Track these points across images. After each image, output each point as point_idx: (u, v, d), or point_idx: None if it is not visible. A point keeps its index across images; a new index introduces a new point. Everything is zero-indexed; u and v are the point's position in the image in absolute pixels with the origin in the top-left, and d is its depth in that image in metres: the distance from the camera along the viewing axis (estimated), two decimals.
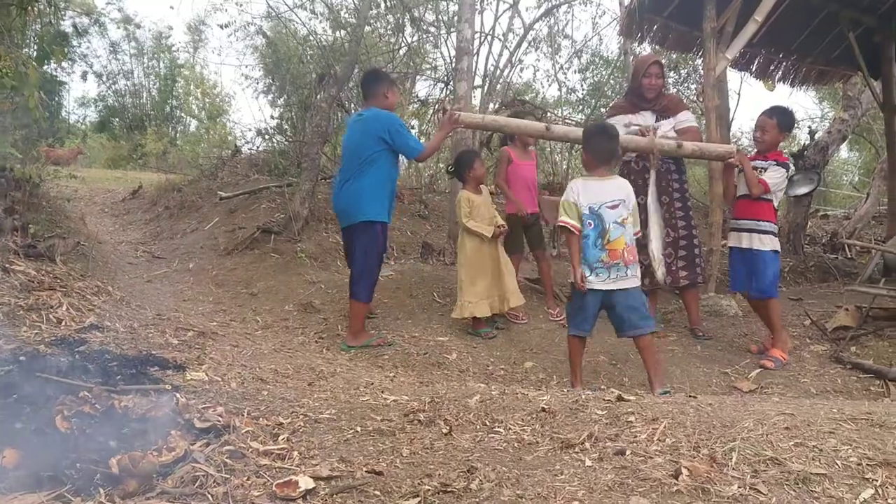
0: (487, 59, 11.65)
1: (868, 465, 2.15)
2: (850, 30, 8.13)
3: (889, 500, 1.98)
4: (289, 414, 2.97)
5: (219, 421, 2.66)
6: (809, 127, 13.52)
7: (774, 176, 5.11)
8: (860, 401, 4.02)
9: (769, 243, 5.14)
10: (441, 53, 12.50)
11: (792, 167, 5.33)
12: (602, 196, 4.28)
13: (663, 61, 6.24)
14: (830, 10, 8.13)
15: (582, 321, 4.41)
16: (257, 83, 13.09)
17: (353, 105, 10.83)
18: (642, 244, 4.73)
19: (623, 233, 4.26)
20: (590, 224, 4.28)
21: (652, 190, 5.08)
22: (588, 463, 2.30)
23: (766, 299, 5.18)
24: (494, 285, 5.60)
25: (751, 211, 5.19)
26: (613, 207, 4.26)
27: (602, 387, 4.57)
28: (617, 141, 4.49)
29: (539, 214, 6.33)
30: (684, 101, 7.32)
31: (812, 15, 8.27)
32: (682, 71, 13.51)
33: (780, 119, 5.22)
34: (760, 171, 5.14)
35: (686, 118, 5.74)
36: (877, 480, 2.07)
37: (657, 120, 5.68)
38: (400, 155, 5.41)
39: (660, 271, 4.91)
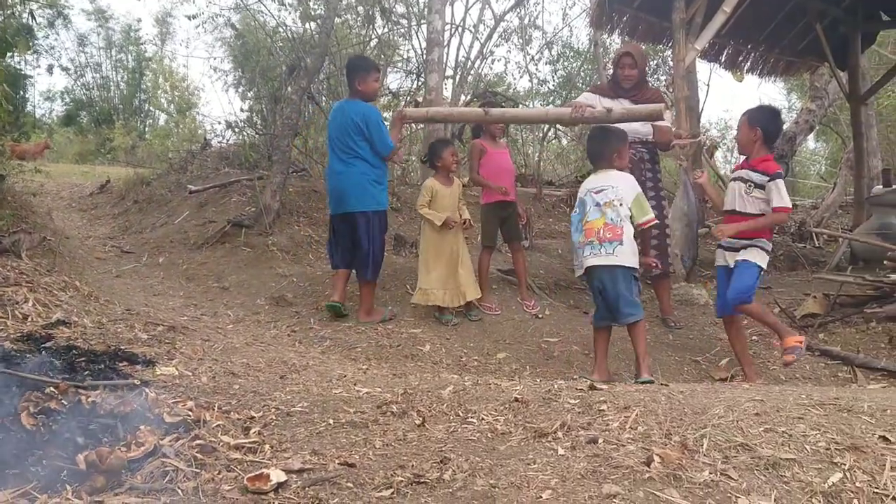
0: (458, 50, 11.67)
1: (836, 449, 2.18)
2: (817, 21, 8.23)
3: (857, 484, 2.00)
4: (260, 407, 2.94)
5: (189, 415, 2.63)
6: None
7: (782, 193, 4.45)
8: (828, 387, 4.07)
9: (758, 257, 4.56)
10: (412, 45, 12.48)
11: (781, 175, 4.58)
12: (590, 185, 4.54)
13: (640, 52, 6.23)
14: (798, 1, 8.22)
15: (595, 309, 4.62)
16: (227, 76, 12.95)
17: (323, 98, 10.76)
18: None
19: (603, 214, 4.36)
20: (575, 211, 4.59)
21: None
22: (561, 452, 2.31)
23: (741, 307, 4.60)
24: (451, 277, 5.63)
25: (735, 224, 4.62)
26: (597, 192, 4.44)
27: (575, 376, 4.59)
28: (602, 143, 4.67)
29: (517, 203, 6.30)
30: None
31: (779, 6, 8.35)
32: (651, 62, 13.59)
33: (751, 115, 4.67)
34: (750, 186, 4.54)
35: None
36: (845, 464, 2.09)
37: None
38: None
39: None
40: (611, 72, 6.17)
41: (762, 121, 4.64)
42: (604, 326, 4.54)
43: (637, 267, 4.43)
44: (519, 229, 6.36)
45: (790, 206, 4.58)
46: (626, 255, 4.34)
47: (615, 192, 4.40)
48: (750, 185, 4.56)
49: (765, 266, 4.61)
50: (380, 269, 5.74)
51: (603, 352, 4.54)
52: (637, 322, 4.36)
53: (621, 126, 5.01)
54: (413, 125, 10.16)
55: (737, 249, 4.61)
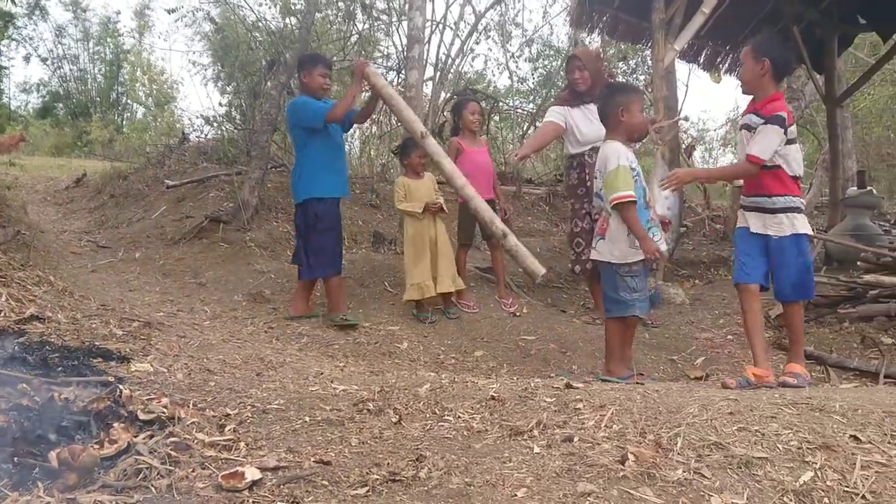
0: (439, 47, 11.64)
1: (808, 448, 2.20)
2: (794, 24, 8.30)
3: (827, 483, 2.03)
4: (236, 405, 2.93)
5: (163, 412, 2.61)
6: None
7: (762, 142, 3.75)
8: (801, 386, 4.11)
9: (787, 224, 3.82)
10: (393, 42, 12.45)
11: (790, 127, 3.83)
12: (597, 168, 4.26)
13: (589, 54, 6.28)
14: (775, 4, 8.28)
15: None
16: (206, 70, 12.87)
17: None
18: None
19: (600, 203, 4.22)
20: None
21: None
22: (536, 450, 2.31)
23: (791, 303, 4.00)
24: (433, 267, 5.65)
25: (755, 183, 3.93)
26: (598, 175, 4.24)
27: (551, 374, 4.60)
28: (604, 103, 4.29)
29: (496, 202, 6.29)
30: None
31: (758, 9, 8.42)
32: (631, 62, 13.66)
33: (757, 45, 3.92)
34: (752, 133, 3.87)
35: None
36: (816, 463, 2.11)
37: None
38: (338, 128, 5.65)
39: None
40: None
41: (771, 50, 3.88)
42: (623, 317, 4.31)
43: (623, 262, 4.10)
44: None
45: (764, 159, 3.75)
46: (606, 250, 4.12)
47: (602, 170, 4.10)
48: (754, 133, 3.88)
49: (805, 230, 3.87)
50: (326, 263, 5.48)
51: (624, 346, 4.40)
52: (614, 318, 4.22)
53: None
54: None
55: (746, 209, 3.97)
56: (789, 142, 3.82)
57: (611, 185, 4.03)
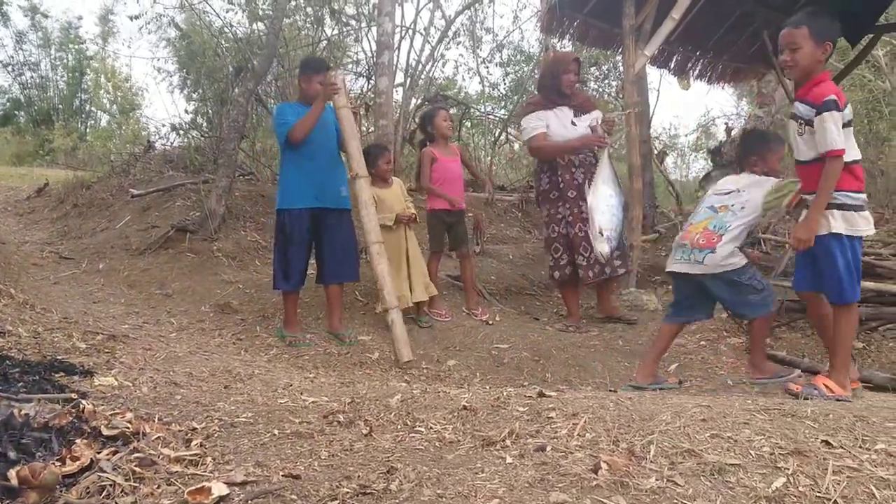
0: (409, 53, 11.65)
1: (780, 454, 2.22)
2: (764, 28, 8.42)
3: (800, 488, 2.05)
4: (203, 418, 2.90)
5: (128, 428, 2.58)
6: (726, 124, 13.96)
7: (827, 135, 3.50)
8: (773, 392, 4.16)
9: (825, 223, 3.62)
10: (362, 47, 12.45)
11: (845, 109, 3.57)
12: (720, 186, 4.46)
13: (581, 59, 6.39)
14: (744, 9, 8.40)
15: (669, 306, 4.60)
16: (171, 77, 12.79)
17: (271, 100, 10.66)
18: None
19: (709, 216, 4.29)
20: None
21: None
22: (509, 460, 2.31)
23: (837, 307, 3.75)
24: (405, 278, 5.64)
25: (807, 178, 3.74)
26: (722, 194, 4.35)
27: (524, 383, 4.62)
28: (744, 145, 4.66)
29: (464, 212, 6.32)
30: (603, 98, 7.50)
31: (727, 14, 8.54)
32: (603, 67, 13.77)
33: (812, 25, 3.66)
34: (801, 125, 3.65)
35: (599, 117, 5.82)
36: (788, 469, 2.13)
37: (575, 115, 5.77)
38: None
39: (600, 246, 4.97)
40: (543, 77, 6.15)
41: (831, 31, 3.70)
42: (673, 323, 4.52)
43: (734, 266, 4.20)
44: (466, 235, 6.36)
45: (841, 147, 3.50)
46: (715, 261, 4.16)
47: (738, 196, 4.26)
48: (801, 124, 3.66)
49: (843, 230, 3.62)
50: (290, 277, 5.39)
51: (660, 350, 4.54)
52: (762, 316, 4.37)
53: None
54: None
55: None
56: (845, 125, 3.58)
57: (780, 190, 4.10)
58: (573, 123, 5.74)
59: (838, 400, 3.46)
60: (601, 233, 4.90)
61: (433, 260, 6.17)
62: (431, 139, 6.25)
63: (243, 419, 2.92)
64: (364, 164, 5.34)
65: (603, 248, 4.92)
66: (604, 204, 4.96)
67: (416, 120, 11.04)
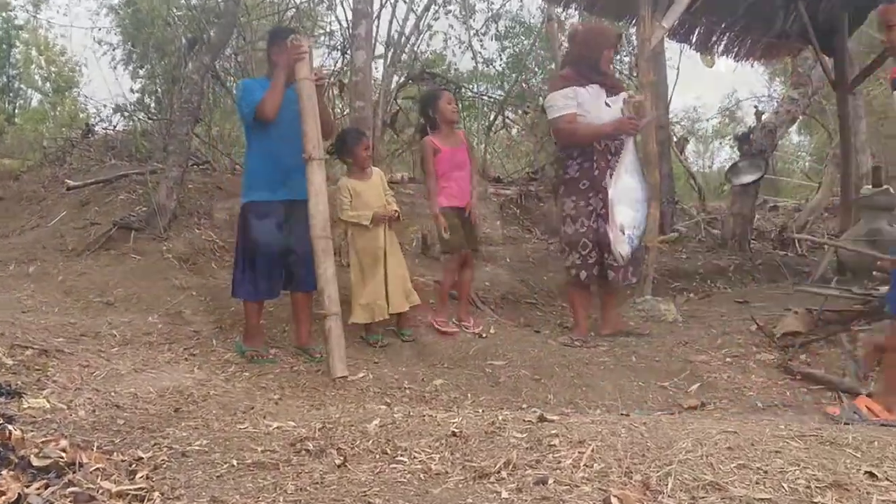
0: (391, 24, 11.63)
1: (817, 487, 2.23)
2: None
3: None
4: (150, 447, 2.90)
5: (62, 457, 2.57)
6: (756, 107, 14.00)
7: None
8: (810, 415, 4.17)
9: None
10: (336, 16, 12.44)
11: None
12: None
13: None
14: None
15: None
16: (114, 50, 12.75)
17: (230, 77, 10.64)
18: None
19: None
20: None
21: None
22: (505, 495, 2.32)
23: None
24: (382, 285, 5.65)
25: None
26: None
27: (523, 406, 4.62)
28: None
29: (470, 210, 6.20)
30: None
31: None
32: None
33: None
34: None
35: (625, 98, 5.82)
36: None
37: (608, 95, 5.77)
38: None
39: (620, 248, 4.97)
40: (580, 49, 6.10)
41: None
42: None
43: None
44: (476, 238, 6.32)
45: None
46: None
47: None
48: None
49: None
50: (256, 283, 5.34)
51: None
52: None
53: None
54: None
55: None
56: None
57: None
58: (607, 105, 5.71)
59: (883, 425, 3.48)
60: (622, 231, 4.91)
61: (454, 263, 6.05)
62: (434, 126, 6.12)
63: (196, 447, 2.92)
64: (320, 146, 5.15)
65: (623, 248, 4.92)
66: (627, 197, 4.97)
67: (398, 101, 11.04)
